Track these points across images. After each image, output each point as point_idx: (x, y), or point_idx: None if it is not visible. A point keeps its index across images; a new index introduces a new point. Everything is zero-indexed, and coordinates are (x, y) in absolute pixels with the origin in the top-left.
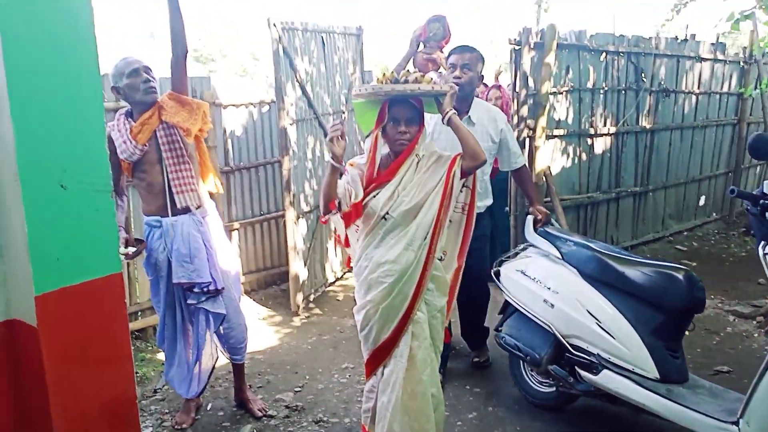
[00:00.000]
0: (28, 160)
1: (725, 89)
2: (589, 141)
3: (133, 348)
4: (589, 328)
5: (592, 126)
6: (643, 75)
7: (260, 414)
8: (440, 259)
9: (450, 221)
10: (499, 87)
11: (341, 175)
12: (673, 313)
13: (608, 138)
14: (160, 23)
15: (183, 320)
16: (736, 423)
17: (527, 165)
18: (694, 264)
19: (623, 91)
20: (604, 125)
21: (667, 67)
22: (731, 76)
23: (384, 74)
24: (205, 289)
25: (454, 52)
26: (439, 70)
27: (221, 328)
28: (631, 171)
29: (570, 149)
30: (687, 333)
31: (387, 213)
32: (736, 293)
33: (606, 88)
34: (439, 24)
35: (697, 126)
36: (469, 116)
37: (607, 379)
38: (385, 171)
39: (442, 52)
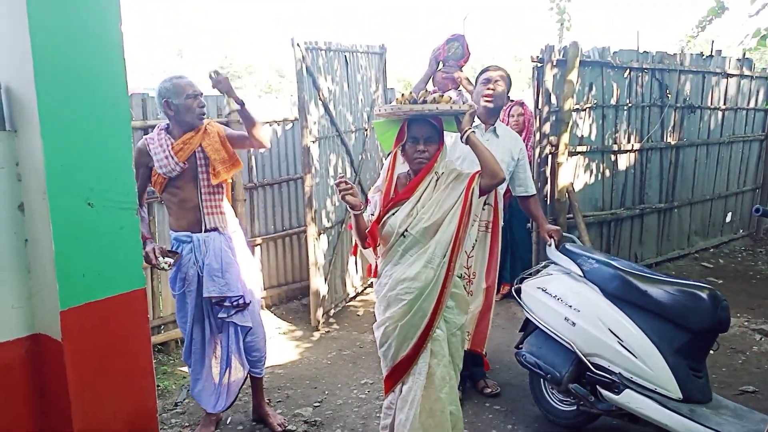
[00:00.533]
0: (56, 178)
1: (752, 105)
2: (613, 157)
3: (155, 361)
4: (611, 347)
5: (615, 142)
6: (667, 91)
7: (280, 429)
8: (460, 277)
9: (476, 241)
10: (522, 103)
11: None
12: (697, 333)
13: (632, 154)
14: (188, 41)
15: (211, 334)
16: None
17: (549, 183)
18: (720, 281)
19: (647, 108)
20: (628, 141)
21: (693, 83)
22: (758, 92)
23: (403, 94)
24: (235, 303)
25: (488, 68)
26: (458, 89)
27: (244, 340)
28: (656, 187)
29: (593, 166)
30: (711, 352)
31: (406, 230)
32: (763, 311)
33: (630, 105)
34: (458, 43)
35: (723, 142)
36: (495, 128)
37: (629, 399)
38: (404, 189)
39: (461, 71)
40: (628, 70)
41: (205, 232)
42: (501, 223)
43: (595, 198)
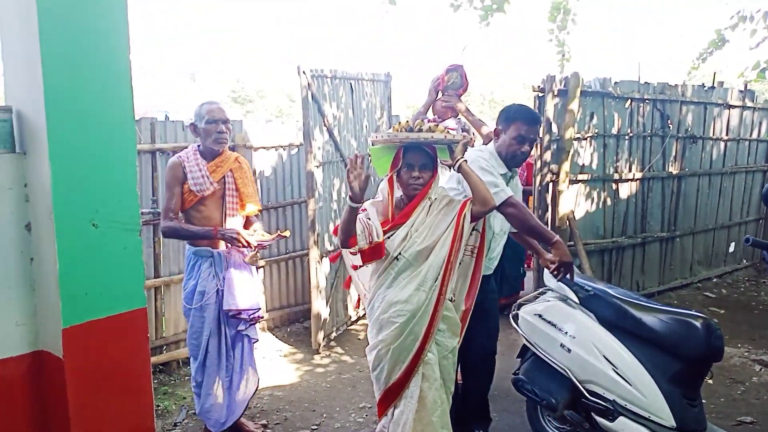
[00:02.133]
0: (62, 199)
1: (755, 136)
2: (614, 186)
3: (156, 381)
4: (606, 374)
5: (617, 171)
6: (669, 121)
7: (259, 430)
8: (451, 300)
9: (459, 263)
10: None
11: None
12: (691, 362)
13: (634, 183)
14: (200, 65)
15: (226, 348)
16: None
17: (550, 210)
18: (723, 311)
19: (649, 137)
20: (630, 170)
21: (695, 114)
22: (761, 123)
23: (399, 122)
24: (252, 316)
25: (526, 121)
26: (458, 117)
27: None
28: (658, 216)
29: (594, 194)
30: (709, 381)
31: (399, 254)
32: (764, 342)
33: (631, 134)
34: (456, 73)
35: (726, 172)
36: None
37: (622, 426)
38: (399, 213)
39: (460, 100)
40: (629, 101)
41: (226, 248)
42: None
43: (596, 226)
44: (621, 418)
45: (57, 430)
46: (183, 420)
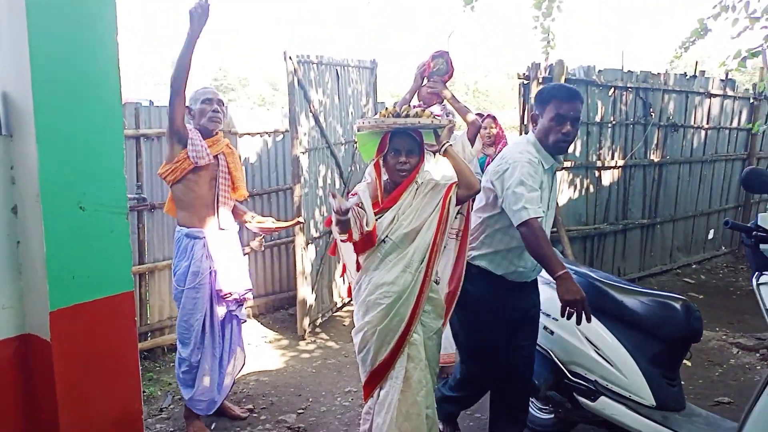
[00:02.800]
0: (49, 181)
1: (735, 125)
2: (597, 173)
3: (142, 368)
4: (588, 356)
5: (599, 159)
6: (651, 110)
7: (245, 413)
8: (437, 282)
9: (445, 246)
10: (494, 117)
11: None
12: (670, 342)
13: (616, 171)
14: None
15: (219, 327)
16: None
17: None
18: (701, 297)
19: (631, 125)
20: (612, 158)
21: (676, 103)
22: (741, 112)
23: (386, 108)
24: (242, 297)
25: (561, 98)
26: (443, 103)
27: None
28: (639, 203)
29: (577, 181)
30: (687, 363)
31: (386, 236)
32: (741, 326)
33: (614, 122)
34: (442, 60)
35: (706, 160)
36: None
37: (604, 406)
38: (387, 197)
39: (445, 86)
40: (612, 89)
41: (220, 230)
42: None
43: (578, 213)
44: (602, 397)
45: (45, 413)
46: (169, 405)
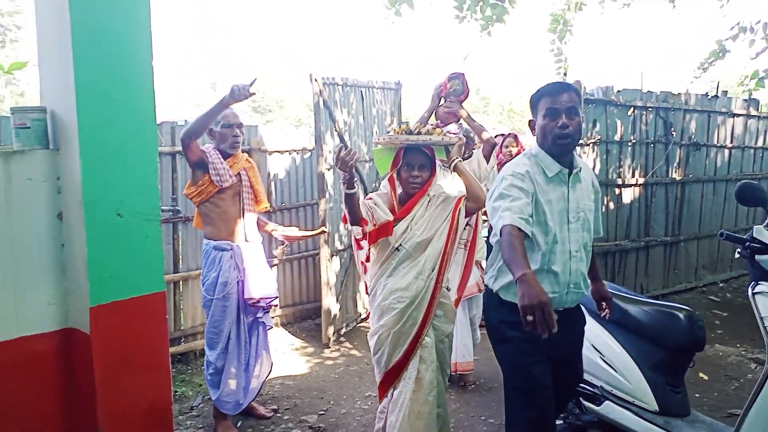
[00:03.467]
0: (91, 191)
1: (760, 144)
2: (617, 191)
3: (175, 370)
4: (594, 362)
5: (619, 176)
6: (672, 129)
7: (269, 413)
8: (448, 289)
9: (454, 255)
10: (515, 136)
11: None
12: (674, 350)
13: (637, 188)
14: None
15: (246, 334)
16: None
17: None
18: (725, 314)
19: (652, 144)
20: (633, 176)
21: (698, 122)
22: (766, 132)
23: (400, 125)
24: (268, 304)
25: (549, 92)
26: (459, 122)
27: None
28: (661, 221)
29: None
30: (703, 376)
31: (400, 245)
32: (762, 342)
33: (634, 141)
34: (458, 81)
35: (731, 179)
36: (580, 169)
37: (608, 410)
38: (401, 209)
39: (461, 106)
40: (632, 108)
41: (246, 242)
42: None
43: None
44: (607, 402)
45: (84, 400)
46: (199, 404)
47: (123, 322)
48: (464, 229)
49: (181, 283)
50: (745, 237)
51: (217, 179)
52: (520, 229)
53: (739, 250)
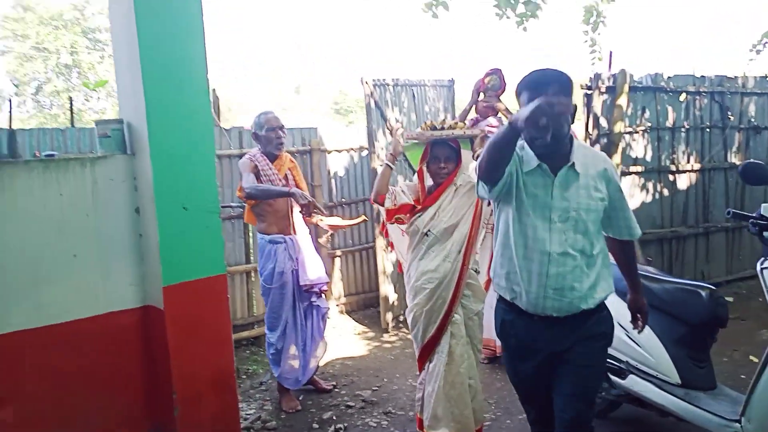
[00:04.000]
0: (161, 188)
1: None
2: (671, 177)
3: (248, 351)
4: (620, 338)
5: (673, 162)
6: (729, 113)
7: (330, 387)
8: (476, 271)
9: (483, 239)
10: None
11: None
12: (696, 326)
13: (693, 174)
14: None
15: (302, 318)
16: (738, 420)
17: None
18: None
19: (707, 129)
20: (688, 162)
21: (758, 105)
22: None
23: (425, 122)
24: (321, 289)
25: (526, 87)
26: (498, 116)
27: None
28: (721, 206)
29: (649, 185)
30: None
31: (429, 230)
32: None
33: (688, 127)
34: (495, 76)
35: None
36: (573, 164)
37: (633, 383)
38: (429, 197)
39: (499, 100)
40: (684, 94)
41: (295, 234)
42: None
43: (653, 216)
44: (631, 376)
45: (161, 366)
46: (267, 380)
47: (190, 300)
48: (490, 214)
49: (252, 273)
50: (753, 214)
51: (269, 181)
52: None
53: (747, 227)
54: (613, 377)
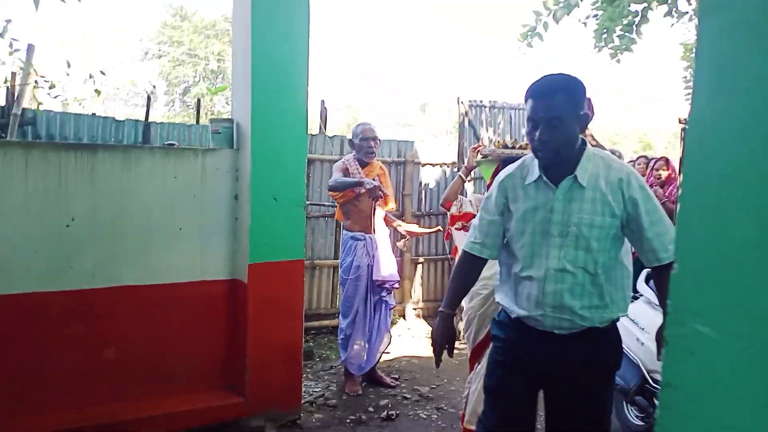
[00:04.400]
0: (256, 180)
1: None
2: None
3: (326, 339)
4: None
5: None
6: None
7: (393, 384)
8: None
9: None
10: (666, 160)
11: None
12: None
13: None
14: (430, 97)
15: (370, 311)
16: None
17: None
18: None
19: None
20: None
21: None
22: None
23: (498, 141)
24: (392, 286)
25: (531, 95)
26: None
27: None
28: None
29: None
30: None
31: None
32: None
33: None
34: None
35: None
36: (575, 176)
37: None
38: None
39: (587, 127)
40: None
41: (374, 233)
42: None
43: None
44: None
45: (240, 332)
46: (337, 365)
47: (271, 278)
48: None
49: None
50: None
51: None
52: (472, 253)
53: None
54: (656, 400)
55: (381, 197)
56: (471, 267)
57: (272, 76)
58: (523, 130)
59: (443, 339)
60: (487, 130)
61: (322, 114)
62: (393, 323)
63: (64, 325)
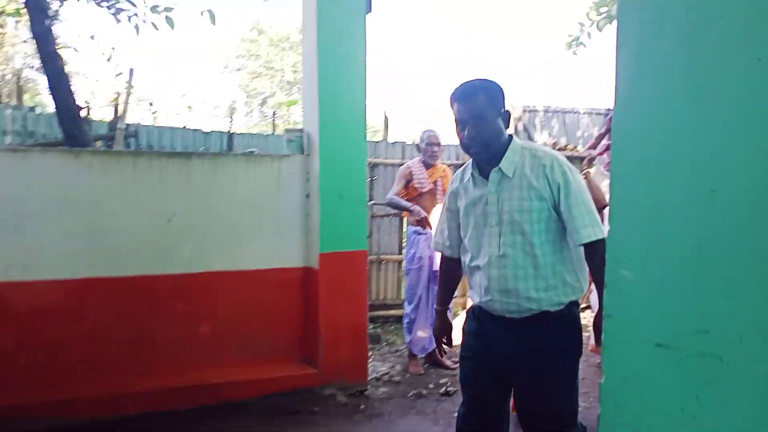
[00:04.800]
0: (324, 182)
1: None
2: None
3: (393, 327)
4: None
5: None
6: None
7: (453, 365)
8: None
9: None
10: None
11: None
12: None
13: None
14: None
15: (431, 298)
16: None
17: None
18: None
19: None
20: None
21: None
22: None
23: (553, 143)
24: None
25: (456, 99)
26: None
27: None
28: None
29: None
30: None
31: None
32: None
33: None
34: None
35: None
36: (500, 168)
37: None
38: None
39: None
40: None
41: (431, 228)
42: None
43: None
44: None
45: (313, 312)
46: (402, 348)
47: (338, 265)
48: None
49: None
50: None
51: (419, 185)
52: (444, 253)
53: None
54: None
55: (425, 223)
56: (448, 265)
57: (335, 92)
58: (579, 133)
59: (439, 332)
60: (541, 133)
61: (385, 123)
62: (455, 315)
63: (167, 302)
